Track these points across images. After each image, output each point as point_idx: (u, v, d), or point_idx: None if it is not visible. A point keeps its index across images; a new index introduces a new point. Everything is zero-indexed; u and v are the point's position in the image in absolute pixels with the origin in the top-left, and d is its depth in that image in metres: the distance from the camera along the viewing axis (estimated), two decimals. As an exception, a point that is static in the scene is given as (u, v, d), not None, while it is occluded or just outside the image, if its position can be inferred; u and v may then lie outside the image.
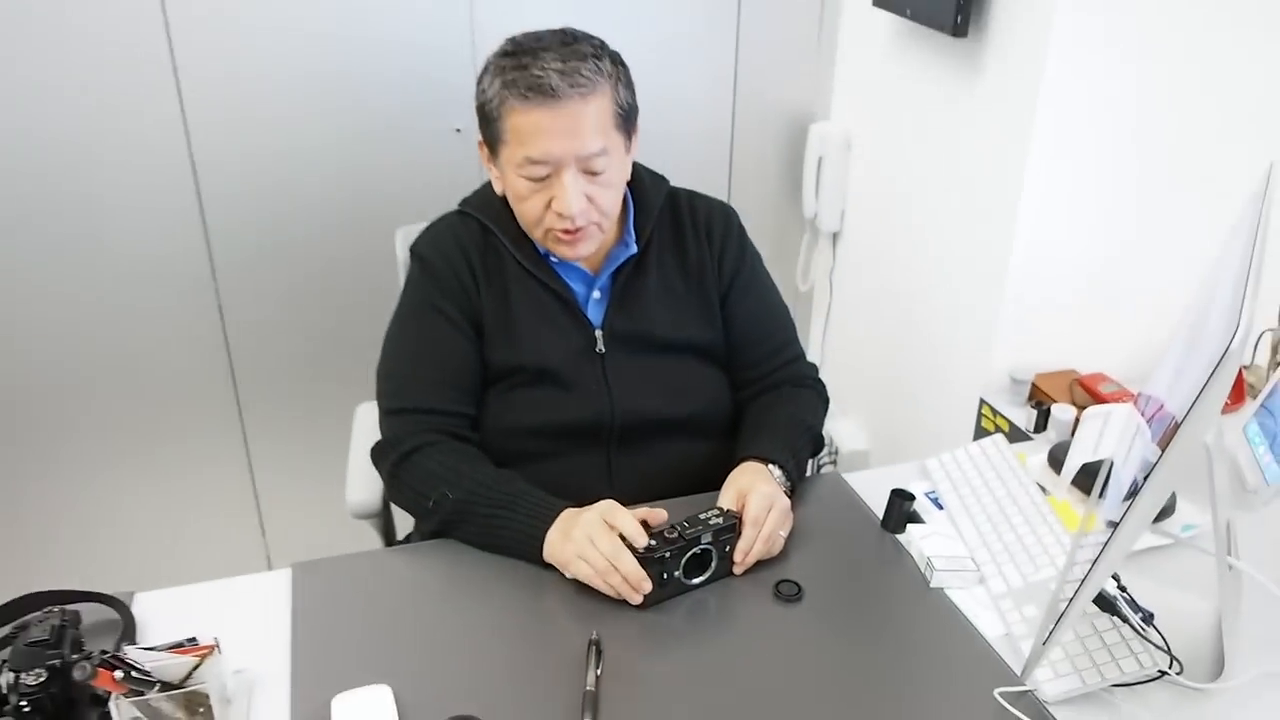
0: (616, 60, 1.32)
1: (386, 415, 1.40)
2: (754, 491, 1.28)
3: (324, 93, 2.15)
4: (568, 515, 1.26)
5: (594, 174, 1.30)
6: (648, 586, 1.19)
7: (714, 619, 1.20)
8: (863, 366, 2.56)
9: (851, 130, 2.47)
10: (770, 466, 1.37)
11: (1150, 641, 1.11)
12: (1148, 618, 1.13)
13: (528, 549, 1.26)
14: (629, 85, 1.34)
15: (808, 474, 1.49)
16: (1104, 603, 1.13)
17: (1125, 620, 1.11)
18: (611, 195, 1.35)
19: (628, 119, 1.34)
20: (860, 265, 2.54)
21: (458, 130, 2.24)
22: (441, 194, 2.28)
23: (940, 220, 2.14)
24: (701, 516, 1.23)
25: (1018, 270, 1.92)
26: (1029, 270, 1.92)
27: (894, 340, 2.39)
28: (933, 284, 2.19)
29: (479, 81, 1.32)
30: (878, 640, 1.17)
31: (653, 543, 1.20)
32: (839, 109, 2.52)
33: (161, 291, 2.22)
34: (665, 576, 1.20)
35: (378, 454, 1.40)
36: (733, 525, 1.24)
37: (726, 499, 1.30)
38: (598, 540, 1.19)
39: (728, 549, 1.25)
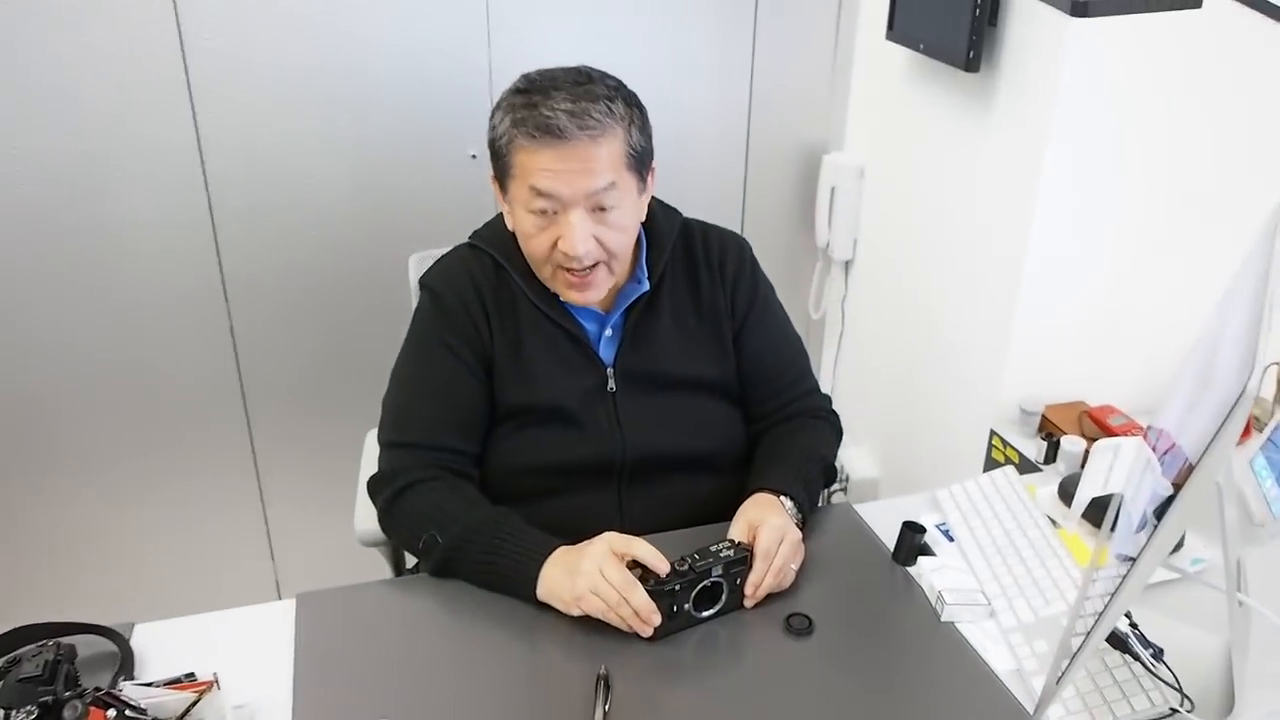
0: (631, 102, 1.31)
1: (386, 448, 1.39)
2: (765, 524, 1.27)
3: (340, 116, 2.16)
4: (565, 552, 1.24)
5: (603, 211, 1.28)
6: (658, 619, 1.18)
7: (724, 653, 1.19)
8: (874, 395, 2.55)
9: (864, 161, 2.47)
10: (782, 498, 1.35)
11: (1160, 679, 1.10)
12: (1158, 654, 1.12)
13: (520, 589, 1.24)
14: (643, 128, 1.32)
15: (819, 504, 1.48)
16: (1115, 639, 1.12)
17: (1136, 657, 1.10)
18: (622, 238, 1.32)
19: (640, 161, 1.32)
20: (872, 294, 2.54)
21: (473, 156, 2.24)
22: (456, 220, 2.27)
23: (951, 251, 2.14)
24: (712, 549, 1.22)
25: (1027, 302, 1.91)
26: (1038, 302, 1.92)
27: (905, 369, 2.38)
28: (943, 314, 2.19)
29: (491, 117, 1.31)
30: (888, 675, 1.16)
31: (675, 565, 1.19)
32: (852, 140, 2.53)
33: (172, 311, 2.22)
34: (675, 609, 1.19)
35: (374, 487, 1.38)
36: (744, 558, 1.23)
37: (737, 530, 1.29)
38: (608, 572, 1.17)
39: (738, 582, 1.24)
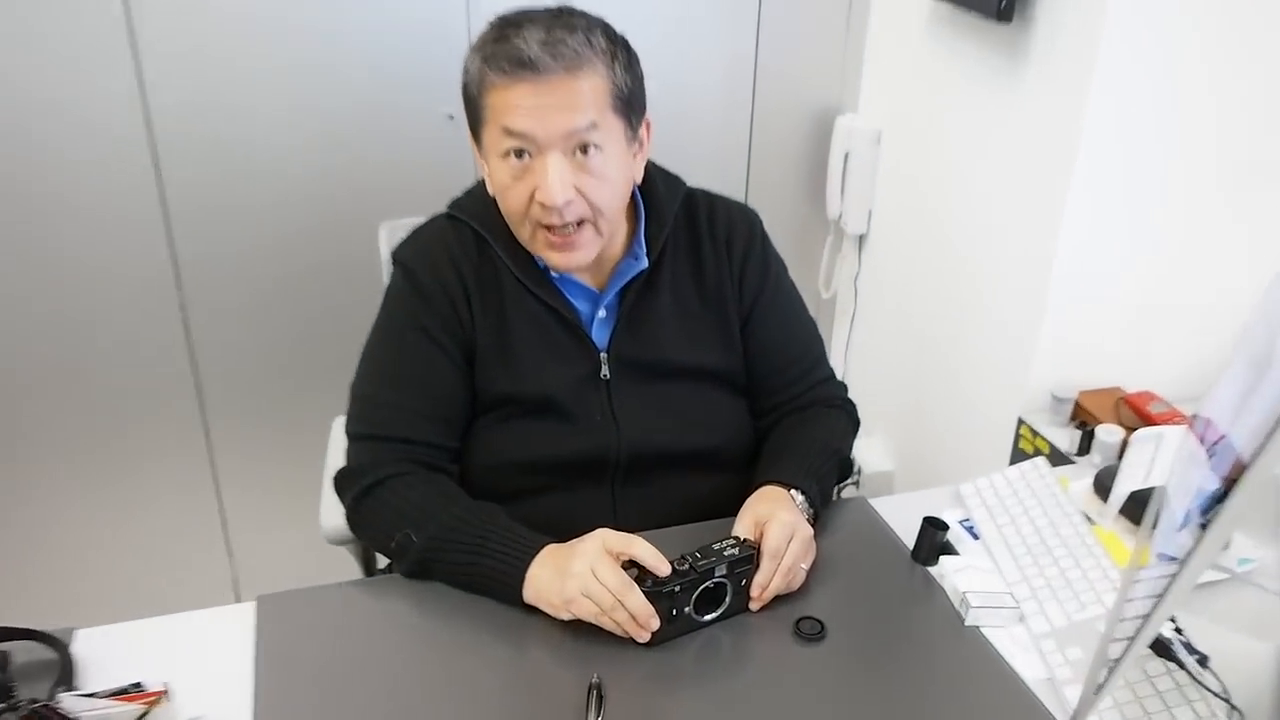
0: (614, 39, 1.28)
1: (355, 440, 1.38)
2: (773, 520, 1.26)
3: (300, 73, 2.14)
4: (554, 551, 1.23)
5: (585, 156, 1.25)
6: (656, 624, 1.17)
7: (728, 660, 1.19)
8: (889, 380, 2.55)
9: (881, 124, 2.46)
10: (792, 492, 1.35)
11: (1207, 688, 1.10)
12: (1203, 660, 1.12)
13: (505, 592, 1.24)
14: (630, 69, 1.29)
15: (832, 500, 1.48)
16: (1157, 645, 1.12)
17: (1180, 664, 1.09)
18: (607, 191, 1.29)
19: (629, 104, 1.29)
20: (888, 271, 2.53)
21: (450, 117, 2.23)
22: (430, 187, 2.25)
23: (977, 223, 2.13)
24: (715, 547, 1.22)
25: (1061, 279, 1.90)
26: (1073, 279, 1.91)
27: (924, 352, 2.38)
28: (967, 292, 2.18)
29: (464, 65, 1.29)
30: (908, 684, 1.16)
31: (675, 564, 1.18)
32: (868, 101, 2.52)
33: (118, 291, 2.20)
34: (675, 612, 1.19)
35: (341, 482, 1.37)
36: (749, 557, 1.22)
37: (742, 527, 1.28)
38: (601, 573, 1.16)
39: (743, 583, 1.23)
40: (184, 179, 2.16)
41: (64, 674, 1.10)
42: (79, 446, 2.31)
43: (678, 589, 1.17)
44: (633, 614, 1.16)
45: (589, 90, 1.23)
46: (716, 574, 1.20)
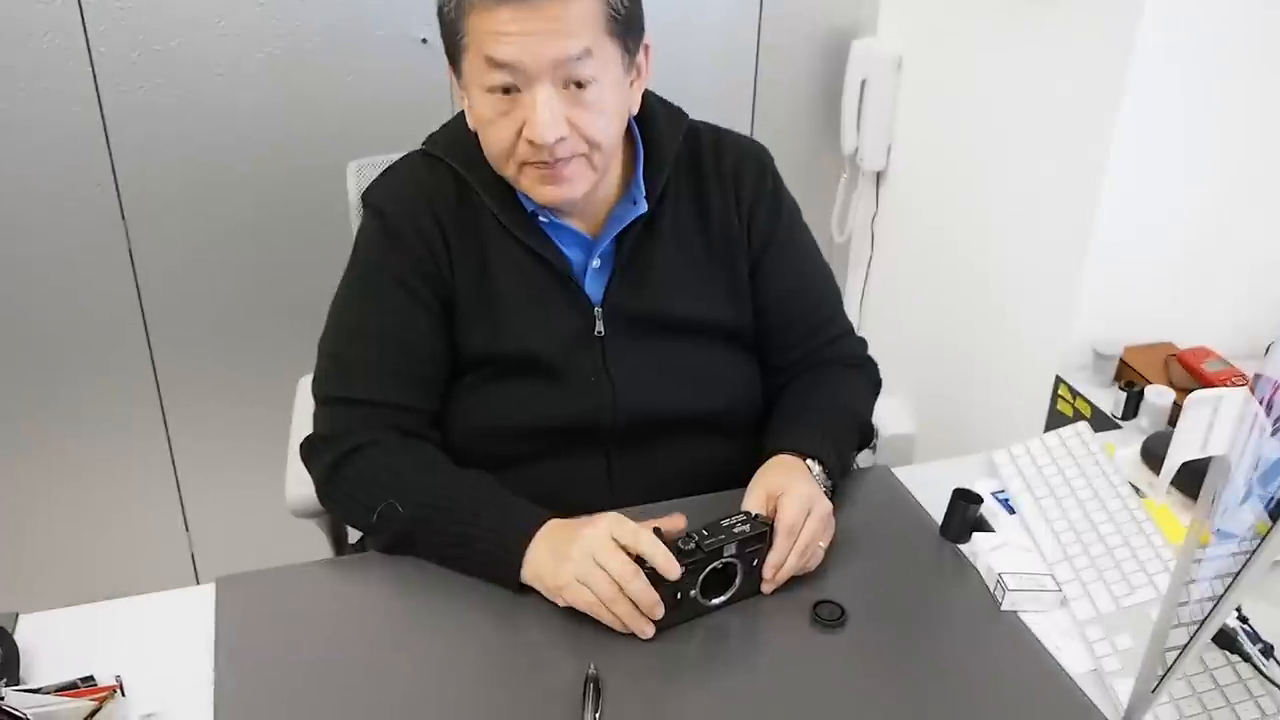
0: None
1: (324, 404, 1.37)
2: (788, 493, 1.25)
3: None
4: (556, 528, 1.22)
5: (579, 88, 1.23)
6: (660, 612, 1.15)
7: (739, 649, 1.18)
8: (909, 334, 2.54)
9: (902, 48, 2.44)
10: (808, 462, 1.34)
11: (1273, 681, 1.09)
12: (1268, 650, 1.11)
13: (500, 571, 1.22)
14: None
15: (851, 469, 1.47)
16: (1218, 633, 1.10)
17: (1245, 656, 1.08)
18: (602, 123, 1.26)
19: (626, 26, 1.26)
20: (909, 212, 2.52)
21: (423, 41, 2.20)
22: (402, 120, 2.24)
23: (1010, 160, 2.11)
24: (724, 523, 1.20)
25: (1106, 221, 1.89)
26: (1119, 221, 1.89)
27: (949, 303, 2.37)
28: (999, 236, 2.17)
29: None
30: (937, 675, 1.15)
31: (680, 543, 1.17)
32: (887, 22, 2.49)
33: (59, 238, 2.19)
34: (679, 596, 1.17)
35: (310, 451, 1.36)
36: (762, 534, 1.21)
37: (754, 501, 1.27)
38: (604, 559, 1.14)
39: (755, 563, 1.22)
40: (128, 105, 2.12)
41: (5, 666, 1.09)
42: (15, 414, 2.30)
43: (683, 570, 1.16)
44: (636, 600, 1.14)
45: (581, 12, 1.20)
46: (725, 554, 1.18)
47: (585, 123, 1.24)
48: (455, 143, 1.38)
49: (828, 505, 1.28)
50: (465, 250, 1.36)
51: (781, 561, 1.22)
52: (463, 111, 1.36)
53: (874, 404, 1.55)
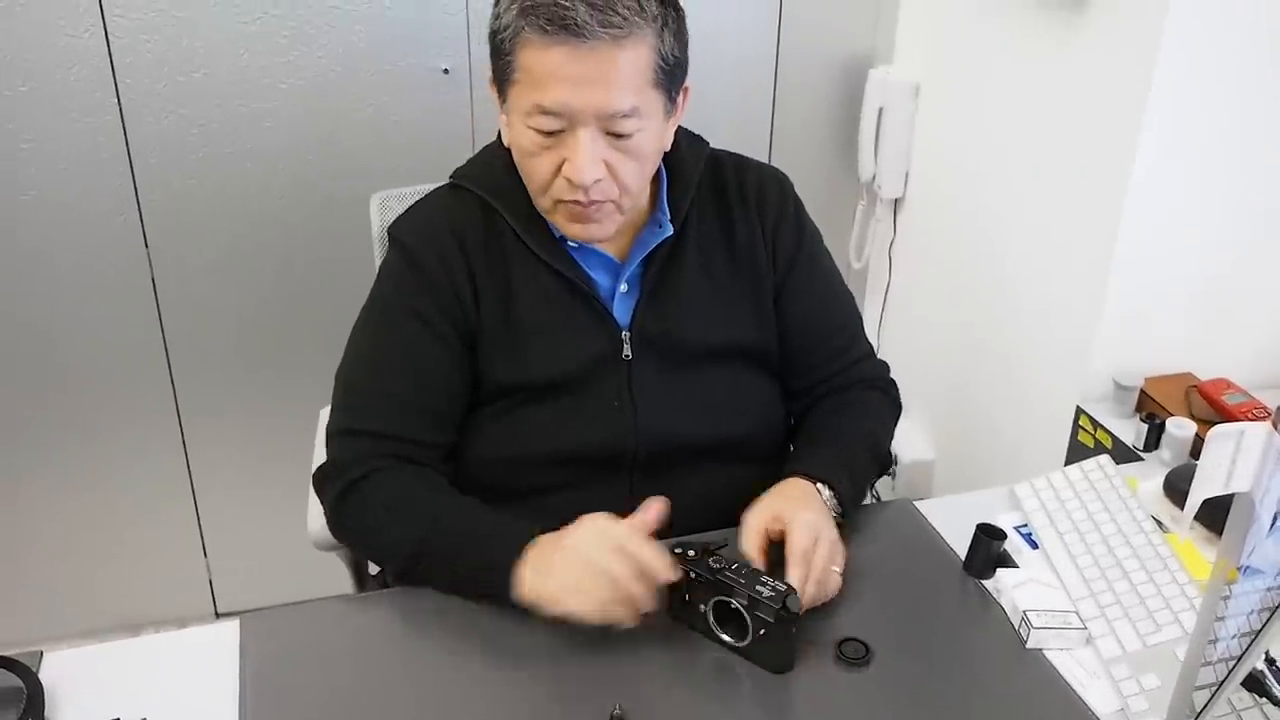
0: (667, 0, 1.27)
1: (337, 434, 1.37)
2: (794, 520, 1.24)
3: (279, 24, 2.11)
4: (540, 547, 1.21)
5: (619, 137, 1.25)
6: (670, 576, 1.16)
7: (765, 688, 1.17)
8: (928, 361, 2.53)
9: (919, 77, 2.43)
10: (819, 486, 1.33)
11: (1301, 723, 1.07)
12: (1295, 691, 1.09)
13: (495, 583, 1.20)
14: (679, 34, 1.28)
15: (865, 498, 1.46)
16: (1245, 676, 1.09)
17: (1275, 700, 1.07)
18: (636, 168, 1.29)
19: (672, 76, 1.28)
20: (927, 239, 2.51)
21: (445, 71, 2.20)
22: (426, 151, 2.25)
23: (1029, 188, 2.10)
24: (753, 572, 1.18)
25: (1126, 251, 1.87)
26: (1139, 252, 1.88)
27: (968, 331, 2.36)
28: (1018, 265, 2.15)
29: (495, 3, 1.27)
30: (964, 714, 1.14)
31: (706, 552, 1.18)
32: (904, 51, 2.49)
33: (82, 266, 2.19)
34: (687, 598, 1.18)
35: (321, 482, 1.36)
36: (780, 611, 1.17)
37: (756, 523, 1.26)
38: (608, 531, 1.16)
39: (762, 632, 1.18)
40: (151, 137, 2.13)
41: (30, 705, 1.09)
42: (38, 448, 2.30)
43: (694, 576, 1.17)
44: (645, 567, 1.14)
45: (633, 62, 1.22)
46: (734, 598, 1.16)
47: (622, 167, 1.27)
48: (483, 173, 1.40)
49: (835, 532, 1.28)
50: (491, 280, 1.37)
51: (800, 588, 1.20)
52: (488, 146, 1.37)
53: (894, 427, 1.54)
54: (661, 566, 1.16)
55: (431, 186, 1.48)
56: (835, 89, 2.55)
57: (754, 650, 1.18)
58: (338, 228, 2.25)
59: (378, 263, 1.61)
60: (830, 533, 1.26)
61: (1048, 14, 1.98)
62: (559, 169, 1.26)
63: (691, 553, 1.19)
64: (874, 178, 2.55)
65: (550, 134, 1.25)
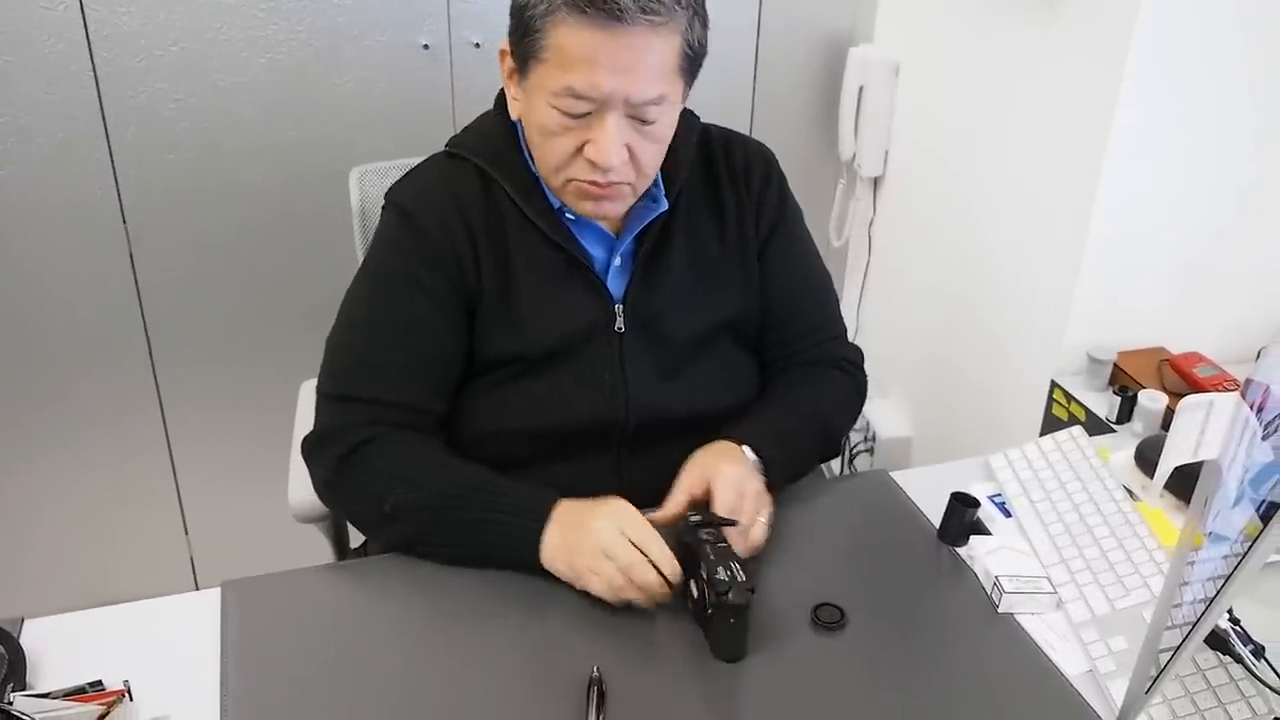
0: None
1: (330, 399, 1.36)
2: (718, 475, 1.27)
3: (258, 1, 2.10)
4: (568, 511, 1.24)
5: (643, 122, 1.26)
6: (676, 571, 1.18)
7: (739, 651, 1.19)
8: (906, 337, 2.54)
9: (899, 55, 2.43)
10: (744, 449, 1.35)
11: (1263, 682, 1.09)
12: (1258, 651, 1.12)
13: (523, 555, 1.23)
14: (705, 21, 1.29)
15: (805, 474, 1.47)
16: (1210, 634, 1.11)
17: (1237, 657, 1.09)
18: (656, 152, 1.31)
19: (695, 63, 1.29)
20: (906, 217, 2.52)
21: (425, 47, 2.19)
22: (405, 127, 2.24)
23: (1006, 166, 2.11)
24: (731, 553, 1.19)
25: (1099, 227, 1.89)
26: (1113, 228, 1.89)
27: (945, 307, 2.37)
28: (995, 242, 2.17)
29: None
30: (936, 676, 1.16)
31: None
32: (884, 30, 2.49)
33: (60, 243, 2.18)
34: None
35: (313, 447, 1.35)
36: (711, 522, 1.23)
37: (685, 483, 1.29)
38: (615, 550, 1.18)
39: (709, 613, 1.19)
40: (130, 108, 2.12)
41: (13, 670, 1.09)
42: (17, 416, 2.29)
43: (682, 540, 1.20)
44: (658, 564, 1.17)
45: (665, 51, 1.23)
46: (694, 577, 1.19)
47: (642, 152, 1.28)
48: (480, 142, 1.40)
49: (759, 483, 1.30)
50: (490, 248, 1.36)
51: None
52: (482, 115, 1.37)
53: (855, 415, 1.55)
54: (671, 565, 1.18)
55: (410, 160, 1.48)
56: (816, 68, 2.56)
57: (707, 631, 1.18)
58: (317, 202, 2.25)
59: (357, 237, 1.62)
60: (754, 485, 1.29)
61: (1025, -9, 1.99)
62: (579, 149, 1.27)
63: (696, 518, 1.21)
64: (854, 156, 2.56)
65: (575, 116, 1.25)
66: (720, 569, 1.15)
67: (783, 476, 1.38)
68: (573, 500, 1.25)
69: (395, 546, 1.30)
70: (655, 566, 1.18)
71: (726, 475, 1.27)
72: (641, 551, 1.18)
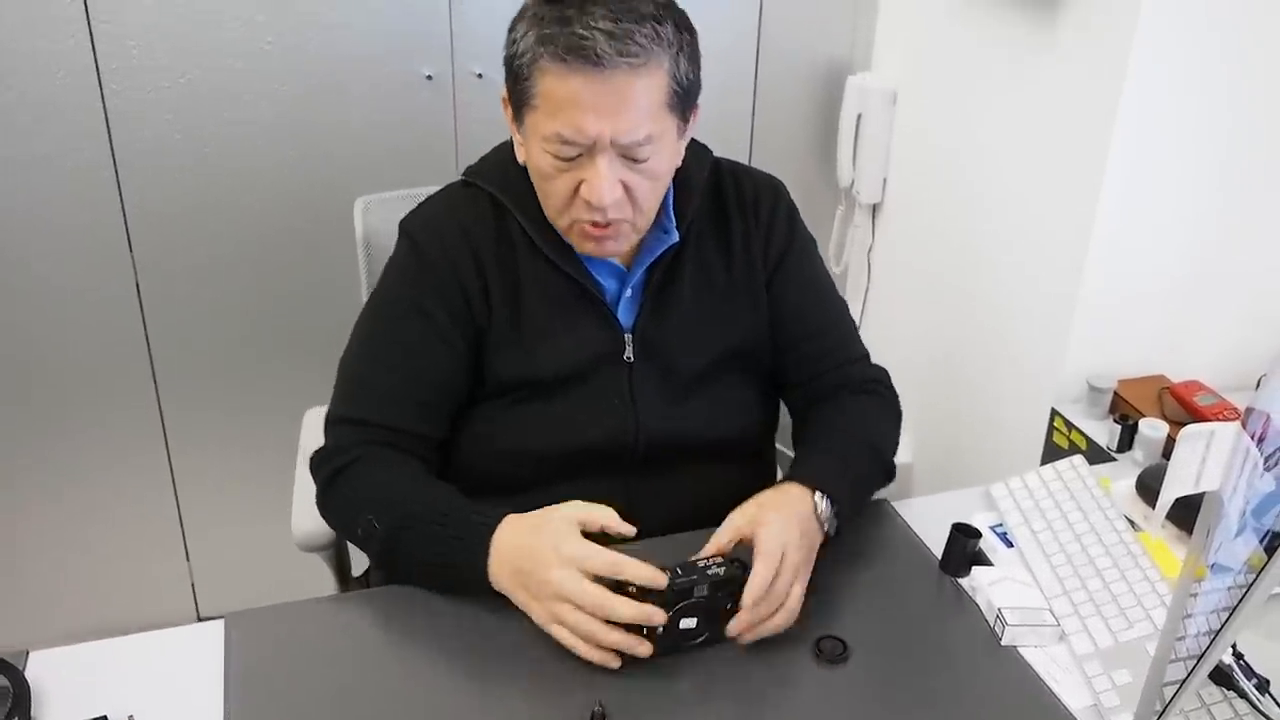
0: (682, 25, 1.28)
1: (328, 421, 1.40)
2: (765, 527, 1.21)
3: (265, 33, 2.11)
4: (511, 538, 1.21)
5: (636, 160, 1.27)
6: (660, 618, 1.14)
7: (744, 684, 1.18)
8: (906, 364, 2.52)
9: (897, 84, 2.44)
10: (817, 496, 1.30)
11: (1268, 717, 1.09)
12: (1263, 685, 1.11)
13: (470, 578, 1.22)
14: (693, 57, 1.29)
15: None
16: (1214, 669, 1.10)
17: (1241, 693, 1.09)
18: (652, 188, 1.31)
19: (685, 98, 1.30)
20: (905, 244, 2.52)
21: (428, 77, 2.20)
22: (410, 156, 2.24)
23: (1005, 193, 2.11)
24: (700, 564, 1.18)
25: (1098, 255, 1.89)
26: (1111, 256, 1.90)
27: (945, 335, 2.37)
28: (994, 269, 2.17)
29: (511, 29, 1.28)
30: (940, 710, 1.15)
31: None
32: (882, 57, 2.50)
33: (67, 270, 2.18)
34: (653, 631, 1.16)
35: (314, 465, 1.39)
36: (735, 579, 1.18)
37: (731, 528, 1.25)
38: (576, 595, 1.14)
39: (729, 606, 1.19)
40: (138, 144, 2.13)
41: (18, 704, 1.09)
42: (21, 449, 2.29)
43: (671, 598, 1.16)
44: (630, 618, 1.13)
45: (650, 90, 1.24)
46: (696, 594, 1.16)
47: (638, 188, 1.29)
48: (495, 171, 1.41)
49: (803, 552, 1.23)
50: (501, 277, 1.38)
51: (749, 621, 1.18)
52: (504, 144, 1.39)
53: (898, 435, 1.53)
54: (652, 575, 1.14)
55: (416, 190, 1.49)
56: (814, 96, 2.56)
57: (705, 634, 1.18)
58: (322, 232, 2.25)
59: (362, 267, 1.62)
60: (797, 554, 1.22)
61: (1023, 20, 1.99)
62: (576, 189, 1.28)
63: (715, 571, 1.17)
64: (852, 183, 2.56)
65: (567, 159, 1.26)
66: (708, 571, 1.16)
67: (850, 519, 1.35)
68: (513, 517, 1.22)
69: (379, 568, 1.32)
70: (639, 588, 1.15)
71: (774, 535, 1.21)
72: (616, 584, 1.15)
